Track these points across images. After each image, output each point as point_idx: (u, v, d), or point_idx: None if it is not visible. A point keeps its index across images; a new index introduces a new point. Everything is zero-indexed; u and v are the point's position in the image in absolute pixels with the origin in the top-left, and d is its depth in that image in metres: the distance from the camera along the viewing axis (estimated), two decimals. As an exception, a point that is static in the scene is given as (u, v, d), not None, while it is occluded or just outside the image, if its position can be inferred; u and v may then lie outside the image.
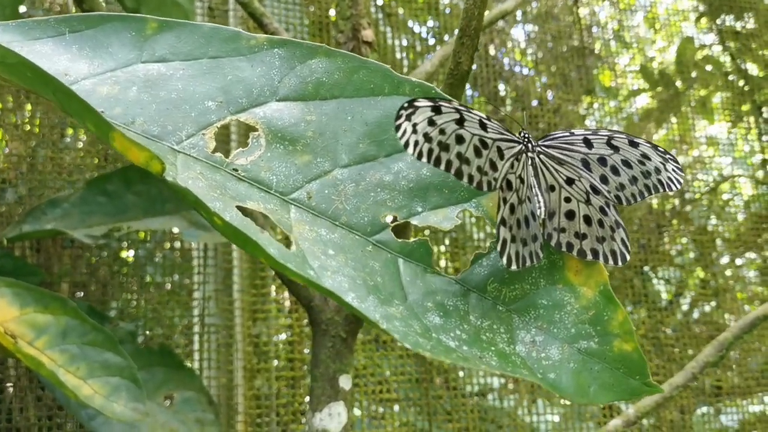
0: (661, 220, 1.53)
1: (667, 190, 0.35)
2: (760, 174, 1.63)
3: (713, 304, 1.56)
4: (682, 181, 0.35)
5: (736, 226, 1.61)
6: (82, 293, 1.11)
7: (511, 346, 0.31)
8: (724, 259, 1.62)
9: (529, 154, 0.34)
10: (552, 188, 0.34)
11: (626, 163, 0.35)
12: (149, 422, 0.92)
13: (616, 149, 0.35)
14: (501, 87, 1.55)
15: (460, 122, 0.32)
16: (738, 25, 1.66)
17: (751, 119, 1.64)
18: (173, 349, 1.10)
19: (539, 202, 0.34)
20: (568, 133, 0.35)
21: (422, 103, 0.31)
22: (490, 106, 1.41)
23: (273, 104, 0.36)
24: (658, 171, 0.35)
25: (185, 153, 0.34)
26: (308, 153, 0.35)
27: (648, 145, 0.35)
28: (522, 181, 0.33)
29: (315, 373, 0.79)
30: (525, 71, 1.61)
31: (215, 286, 1.17)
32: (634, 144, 0.35)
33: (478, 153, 0.32)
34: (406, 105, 0.30)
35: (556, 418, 1.35)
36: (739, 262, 1.63)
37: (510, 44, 1.57)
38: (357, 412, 1.16)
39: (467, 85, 1.53)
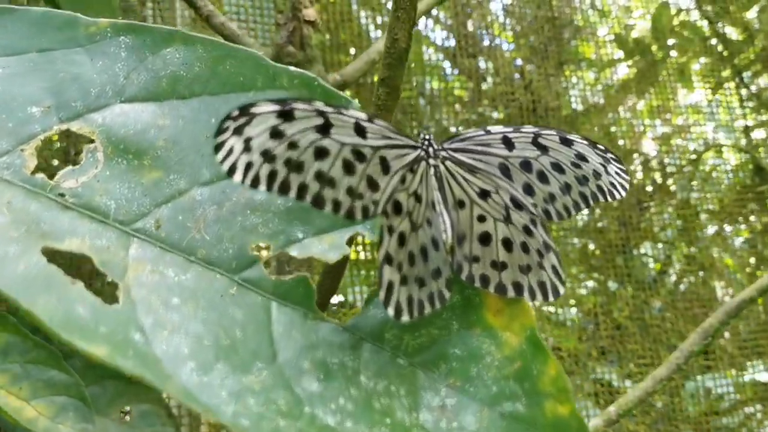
0: (642, 195, 1.46)
1: (609, 198, 0.28)
2: (743, 141, 1.56)
3: (700, 278, 1.50)
4: (627, 185, 0.28)
5: (720, 196, 1.54)
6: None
7: (414, 415, 0.24)
8: (710, 231, 1.56)
9: (431, 161, 0.26)
10: (461, 204, 0.27)
11: (557, 167, 0.27)
12: (98, 442, 0.85)
13: (544, 150, 0.27)
14: (481, 63, 1.47)
15: (324, 129, 0.24)
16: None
17: (732, 85, 1.56)
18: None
19: (444, 223, 0.26)
20: (482, 132, 0.27)
21: (263, 108, 0.23)
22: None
23: (117, 107, 0.29)
24: (597, 175, 0.28)
25: (-4, 176, 0.27)
26: (158, 168, 0.28)
27: (584, 142, 0.27)
28: (418, 199, 0.26)
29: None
30: (504, 45, 1.54)
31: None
32: (566, 142, 0.27)
33: (349, 169, 0.24)
34: (235, 113, 0.23)
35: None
36: (727, 231, 1.57)
37: (488, 18, 1.49)
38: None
39: (447, 63, 1.45)
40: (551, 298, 0.26)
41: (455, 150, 0.27)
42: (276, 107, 0.23)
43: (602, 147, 0.28)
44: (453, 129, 1.44)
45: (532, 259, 0.26)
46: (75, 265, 0.26)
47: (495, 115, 1.46)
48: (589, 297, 1.44)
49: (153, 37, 0.30)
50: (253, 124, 0.23)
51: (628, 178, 0.28)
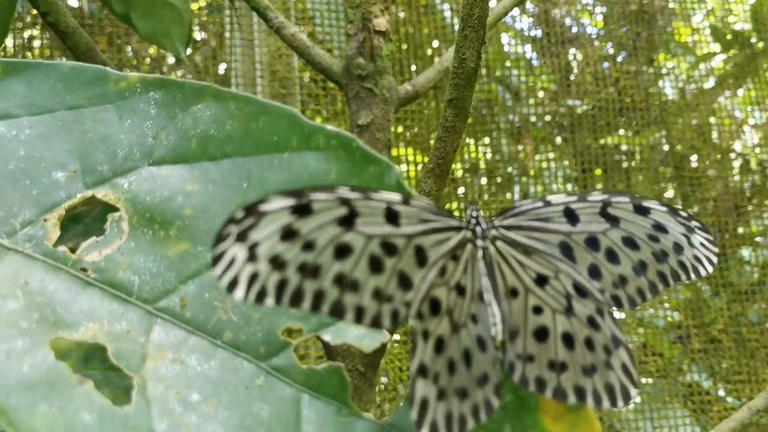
0: (739, 199, 1.37)
1: (692, 276, 0.24)
2: None
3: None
4: (714, 259, 0.24)
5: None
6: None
7: None
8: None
9: (479, 242, 0.23)
10: (514, 293, 0.23)
11: (630, 242, 0.23)
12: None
13: (614, 221, 0.23)
14: (568, 52, 1.41)
15: (348, 221, 0.21)
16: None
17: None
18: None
19: (494, 315, 0.23)
20: (541, 204, 0.23)
21: (274, 204, 0.20)
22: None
23: (144, 170, 0.27)
24: (678, 249, 0.23)
25: (17, 250, 0.25)
26: (185, 240, 0.26)
27: (663, 209, 0.23)
28: (461, 292, 0.23)
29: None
30: (593, 34, 1.47)
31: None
32: (641, 210, 0.23)
33: (376, 267, 0.21)
34: (240, 214, 0.20)
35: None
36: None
37: (576, 6, 1.43)
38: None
39: (533, 54, 1.40)
40: (620, 405, 0.22)
41: (508, 227, 0.23)
42: (290, 201, 0.20)
43: (685, 214, 0.24)
44: (533, 120, 1.38)
45: (598, 358, 0.23)
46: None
47: (581, 108, 1.39)
48: (680, 306, 1.36)
49: (183, 92, 0.28)
50: (260, 226, 0.20)
51: (716, 249, 0.24)
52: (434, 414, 0.21)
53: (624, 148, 1.42)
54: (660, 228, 0.24)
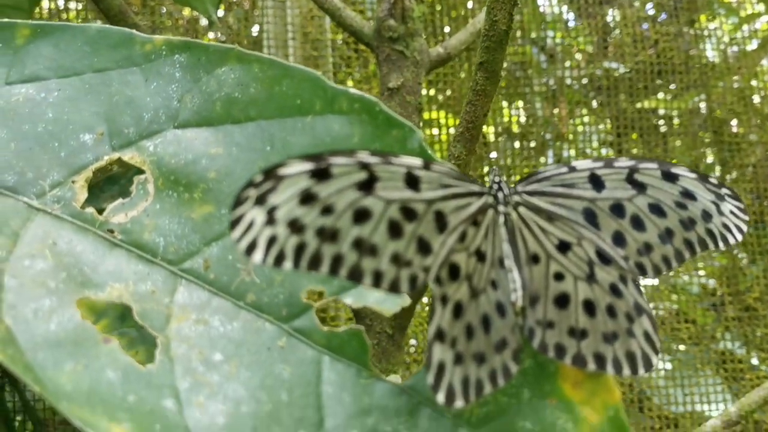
0: (781, 164, 1.33)
1: (720, 244, 0.23)
2: None
3: None
4: (744, 227, 0.23)
5: None
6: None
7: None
8: None
9: (501, 208, 0.23)
10: (535, 259, 0.23)
11: (657, 209, 0.23)
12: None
13: (641, 188, 0.23)
14: (609, 13, 1.38)
15: (367, 185, 0.21)
16: None
17: None
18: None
19: (514, 281, 0.23)
20: (565, 170, 0.23)
21: (293, 168, 0.20)
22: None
23: (170, 133, 0.27)
24: (707, 216, 0.23)
25: (46, 211, 0.26)
26: (209, 202, 0.26)
27: (692, 176, 0.23)
28: (481, 257, 0.22)
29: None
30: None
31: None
32: (670, 177, 0.23)
33: (395, 232, 0.21)
34: (258, 178, 0.20)
35: None
36: None
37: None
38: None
39: (570, 14, 1.37)
40: (641, 372, 0.22)
41: (531, 193, 0.23)
42: (309, 165, 0.20)
43: (715, 181, 0.23)
44: (569, 83, 1.36)
45: (620, 325, 0.22)
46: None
47: (619, 70, 1.36)
48: (716, 273, 1.34)
49: (208, 55, 0.28)
50: (279, 190, 0.20)
51: (746, 217, 0.23)
52: (451, 378, 0.21)
53: (662, 112, 1.39)
54: (688, 195, 0.23)
